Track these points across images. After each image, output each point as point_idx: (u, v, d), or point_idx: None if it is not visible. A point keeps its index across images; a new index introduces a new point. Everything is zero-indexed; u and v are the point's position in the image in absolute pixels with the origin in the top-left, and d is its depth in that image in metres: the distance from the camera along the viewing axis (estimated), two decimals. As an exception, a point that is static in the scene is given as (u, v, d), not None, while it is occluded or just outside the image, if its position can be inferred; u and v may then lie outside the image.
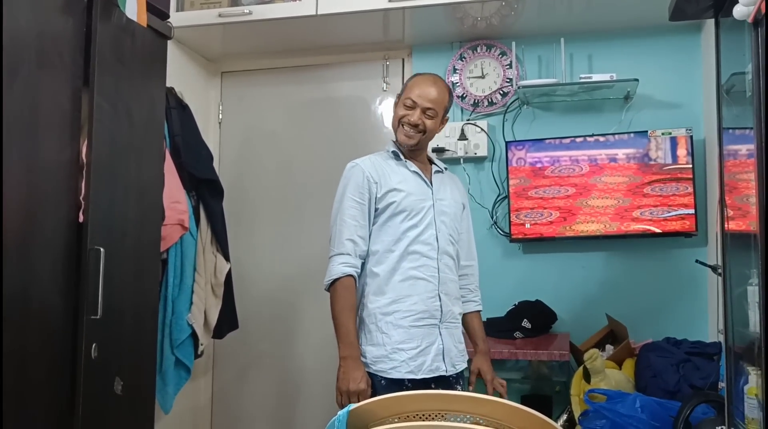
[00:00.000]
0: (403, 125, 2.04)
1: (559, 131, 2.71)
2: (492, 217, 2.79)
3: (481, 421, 1.26)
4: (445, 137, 2.77)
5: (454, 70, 2.85)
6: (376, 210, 2.04)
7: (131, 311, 1.96)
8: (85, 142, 1.76)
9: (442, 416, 1.28)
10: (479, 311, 2.21)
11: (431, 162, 2.19)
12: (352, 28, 2.77)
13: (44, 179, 1.65)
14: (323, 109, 3.07)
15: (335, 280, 1.98)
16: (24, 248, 1.57)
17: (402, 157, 2.10)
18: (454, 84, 2.84)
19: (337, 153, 2.98)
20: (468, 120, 2.82)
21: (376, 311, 2.00)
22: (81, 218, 1.75)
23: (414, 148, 2.08)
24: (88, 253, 1.74)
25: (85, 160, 1.76)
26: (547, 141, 2.68)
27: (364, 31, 2.80)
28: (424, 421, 1.28)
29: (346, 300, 1.97)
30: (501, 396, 2.05)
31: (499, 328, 2.55)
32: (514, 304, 2.63)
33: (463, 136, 2.76)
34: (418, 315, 1.98)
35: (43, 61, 1.64)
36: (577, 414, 2.18)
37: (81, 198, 1.76)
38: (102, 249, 1.76)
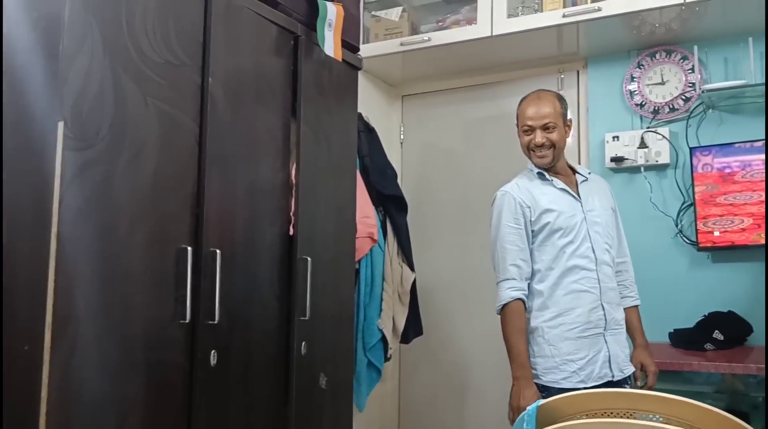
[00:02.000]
0: (531, 150, 2.13)
1: (748, 134, 2.57)
2: (677, 226, 2.70)
3: (670, 422, 1.29)
4: (624, 146, 2.74)
5: (632, 79, 2.82)
6: (532, 232, 2.11)
7: (332, 314, 2.19)
8: (294, 166, 2.03)
9: (630, 415, 1.32)
10: (637, 306, 2.25)
11: (574, 171, 2.21)
12: (526, 45, 2.85)
13: (263, 199, 1.92)
14: (499, 125, 3.17)
15: (505, 304, 2.08)
16: (250, 257, 1.85)
17: (546, 175, 2.16)
18: (632, 92, 2.81)
19: (514, 167, 3.04)
20: (648, 128, 2.76)
21: (543, 325, 2.08)
22: (291, 232, 2.02)
23: (552, 165, 2.13)
24: (297, 262, 2.00)
25: (294, 181, 2.02)
26: (737, 145, 2.55)
27: (538, 46, 2.87)
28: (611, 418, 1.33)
29: (516, 323, 2.07)
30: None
31: (687, 339, 2.47)
32: (704, 315, 2.52)
33: (643, 145, 2.71)
34: (583, 326, 2.03)
35: (260, 97, 1.93)
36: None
37: (291, 214, 2.02)
38: (309, 258, 2.01)
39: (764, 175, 2.31)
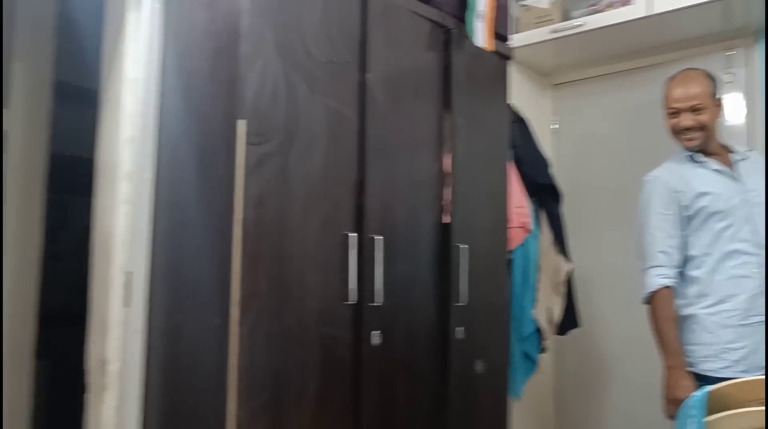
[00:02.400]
0: (679, 133, 2.01)
1: None
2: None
3: None
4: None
5: (814, 50, 2.58)
6: (687, 217, 2.00)
7: (487, 302, 2.23)
8: (448, 156, 2.09)
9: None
10: None
11: (729, 151, 2.06)
12: (686, 23, 2.69)
13: (420, 188, 2.00)
14: (659, 110, 3.02)
15: (653, 292, 2.01)
16: (409, 244, 1.94)
17: (699, 157, 2.03)
18: (815, 65, 2.57)
19: (673, 151, 2.91)
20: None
21: (700, 312, 1.98)
22: (446, 220, 2.08)
23: (704, 146, 2.01)
24: (453, 249, 2.06)
25: (449, 171, 2.08)
26: None
27: (701, 23, 2.70)
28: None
29: (666, 311, 2.00)
30: None
31: None
32: None
33: (828, 122, 2.47)
34: (744, 313, 1.90)
35: (415, 91, 2.01)
36: None
37: (446, 203, 2.08)
38: (464, 246, 2.07)
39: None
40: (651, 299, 2.04)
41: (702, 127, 2.02)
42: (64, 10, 2.54)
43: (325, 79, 1.73)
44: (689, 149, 2.07)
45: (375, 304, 1.78)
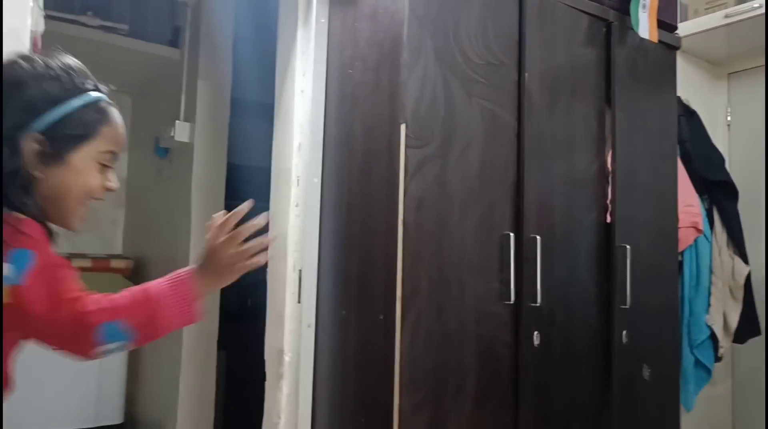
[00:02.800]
0: None
1: None
2: None
3: None
4: None
5: None
6: None
7: (654, 305, 2.13)
8: (610, 153, 2.02)
9: None
10: None
11: None
12: None
13: (580, 187, 1.96)
14: None
15: None
16: (568, 244, 1.91)
17: None
18: None
19: None
20: None
21: None
22: (608, 219, 2.01)
23: None
24: (616, 250, 1.99)
25: (610, 169, 2.02)
26: None
27: None
28: None
29: None
30: None
31: None
32: None
33: None
34: None
35: (574, 88, 1.97)
36: None
37: (608, 202, 2.02)
38: (628, 246, 1.99)
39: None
40: None
41: None
42: (240, 32, 2.79)
43: (481, 82, 1.75)
44: None
45: (534, 304, 1.77)
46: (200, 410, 2.67)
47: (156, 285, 1.04)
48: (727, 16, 2.64)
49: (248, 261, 1.09)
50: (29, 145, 0.97)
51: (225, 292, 2.49)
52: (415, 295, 1.58)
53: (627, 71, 2.09)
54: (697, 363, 2.53)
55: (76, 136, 1.01)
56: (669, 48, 2.25)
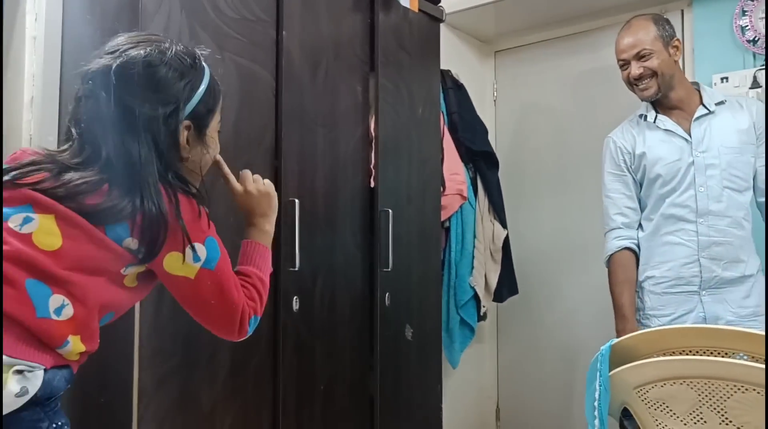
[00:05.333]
0: (633, 85, 1.95)
1: None
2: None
3: (757, 360, 1.19)
4: (734, 88, 2.52)
5: (743, 13, 2.58)
6: (637, 179, 1.99)
7: (417, 268, 2.21)
8: (373, 119, 2.05)
9: (710, 354, 1.24)
10: None
11: (702, 102, 1.97)
12: (622, -13, 2.69)
13: (343, 152, 1.96)
14: (602, 76, 3.00)
15: (611, 255, 2.01)
16: (330, 207, 1.90)
17: (651, 116, 1.98)
18: (743, 28, 2.57)
19: (615, 121, 2.89)
20: (762, 65, 2.53)
21: (639, 277, 1.99)
22: (372, 184, 2.04)
23: (663, 96, 1.95)
24: (379, 214, 2.02)
25: (373, 134, 2.04)
26: None
27: (637, -14, 2.70)
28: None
29: (619, 274, 1.99)
30: None
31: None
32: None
33: (755, 84, 2.48)
34: (672, 281, 1.90)
35: (338, 53, 1.96)
36: None
37: (371, 166, 2.05)
38: (390, 211, 2.03)
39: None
40: (608, 262, 2.03)
41: (653, 74, 1.92)
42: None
43: (236, 37, 1.67)
44: (645, 100, 1.99)
45: (293, 268, 1.73)
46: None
47: (258, 268, 1.21)
48: (491, -5, 2.80)
49: (268, 189, 1.30)
50: (183, 132, 1.07)
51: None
52: (159, 261, 1.47)
53: (392, 39, 2.12)
54: (462, 322, 2.70)
55: (209, 111, 1.12)
56: (433, 20, 2.32)
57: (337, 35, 1.96)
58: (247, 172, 1.31)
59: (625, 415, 1.35)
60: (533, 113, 3.21)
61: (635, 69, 1.93)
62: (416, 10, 2.13)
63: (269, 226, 1.29)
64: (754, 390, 1.12)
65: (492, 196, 2.76)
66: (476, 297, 2.70)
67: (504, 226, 2.77)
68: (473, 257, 2.69)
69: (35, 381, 0.96)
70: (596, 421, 1.27)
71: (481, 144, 2.76)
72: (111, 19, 1.56)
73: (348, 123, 1.98)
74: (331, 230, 1.90)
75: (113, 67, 1.04)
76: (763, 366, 1.14)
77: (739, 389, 1.13)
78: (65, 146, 1.08)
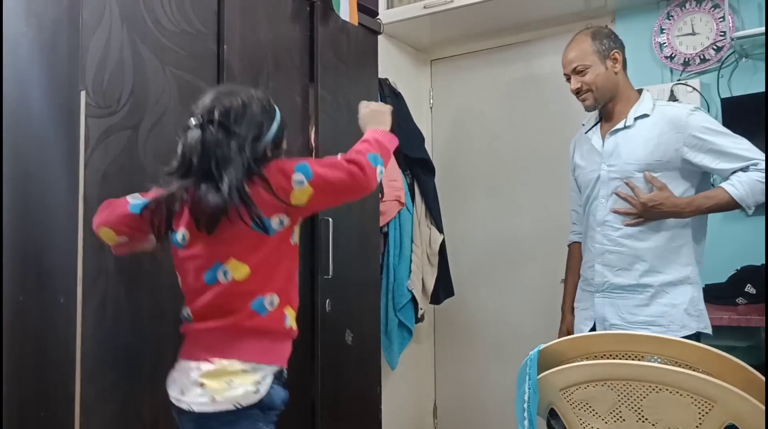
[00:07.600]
0: (577, 97, 2.01)
1: (785, 82, 2.48)
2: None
3: (669, 363, 1.31)
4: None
5: (661, 31, 2.76)
6: None
7: (357, 274, 2.26)
8: (313, 129, 2.09)
9: (630, 358, 1.35)
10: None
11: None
12: (552, 1, 2.82)
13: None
14: (530, 85, 3.14)
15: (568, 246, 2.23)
16: (271, 218, 1.93)
17: (589, 127, 2.09)
18: (661, 45, 2.75)
19: (545, 128, 3.05)
20: (678, 80, 2.71)
21: None
22: (313, 193, 2.08)
23: (603, 107, 2.02)
24: (319, 223, 2.07)
25: (313, 144, 2.09)
26: (772, 94, 2.47)
27: (565, 2, 2.83)
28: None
29: (567, 264, 2.23)
30: None
31: (718, 294, 2.43)
32: (736, 270, 2.48)
33: (673, 98, 2.66)
34: (584, 281, 2.08)
35: (277, 63, 1.99)
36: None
37: (312, 176, 2.09)
38: (330, 219, 2.08)
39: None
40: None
41: (589, 88, 1.97)
42: None
43: (177, 51, 1.68)
44: (587, 110, 2.05)
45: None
46: None
47: (362, 140, 1.54)
48: (425, 7, 2.88)
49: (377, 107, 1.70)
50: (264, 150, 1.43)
51: None
52: (102, 274, 1.48)
53: (331, 51, 2.17)
54: (401, 324, 2.77)
55: (281, 137, 1.49)
56: (371, 32, 2.38)
57: (277, 48, 1.99)
58: (363, 101, 1.73)
59: (552, 415, 1.45)
60: (468, 120, 3.32)
61: (573, 83, 1.99)
62: (356, 23, 2.18)
63: (375, 127, 1.61)
64: (667, 390, 1.23)
65: (428, 202, 2.85)
66: (414, 300, 2.78)
67: (440, 230, 2.87)
68: (411, 261, 2.77)
69: None
70: (526, 422, 1.36)
71: (417, 151, 2.85)
72: (50, 33, 1.55)
73: (288, 133, 2.01)
74: (272, 240, 1.93)
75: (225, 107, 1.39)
76: (674, 368, 1.26)
77: (653, 389, 1.24)
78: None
